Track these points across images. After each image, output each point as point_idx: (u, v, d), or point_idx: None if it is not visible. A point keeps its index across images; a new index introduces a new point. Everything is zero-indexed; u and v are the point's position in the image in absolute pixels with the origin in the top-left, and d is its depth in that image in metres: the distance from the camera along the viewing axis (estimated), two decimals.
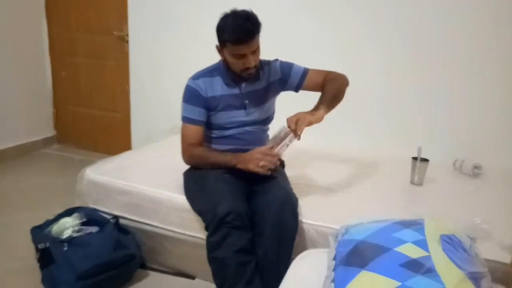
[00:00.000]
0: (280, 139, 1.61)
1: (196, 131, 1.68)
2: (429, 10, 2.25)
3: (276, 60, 1.81)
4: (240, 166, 1.60)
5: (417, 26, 2.28)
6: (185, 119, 1.69)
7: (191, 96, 1.68)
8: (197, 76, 1.71)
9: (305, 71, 1.78)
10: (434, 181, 1.99)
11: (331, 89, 1.69)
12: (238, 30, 1.52)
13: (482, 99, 2.25)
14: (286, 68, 1.79)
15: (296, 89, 1.80)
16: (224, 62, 1.69)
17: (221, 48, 1.63)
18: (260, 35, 1.58)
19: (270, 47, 1.74)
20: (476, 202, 1.81)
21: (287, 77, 1.78)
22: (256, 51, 1.60)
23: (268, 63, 1.79)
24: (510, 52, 2.15)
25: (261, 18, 1.58)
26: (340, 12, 2.41)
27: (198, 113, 1.68)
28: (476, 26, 2.18)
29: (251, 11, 1.57)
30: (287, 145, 1.59)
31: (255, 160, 1.56)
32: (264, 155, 1.56)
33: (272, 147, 1.60)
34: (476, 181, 2.09)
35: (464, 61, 2.24)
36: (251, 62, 1.59)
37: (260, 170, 1.55)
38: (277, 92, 1.81)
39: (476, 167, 2.13)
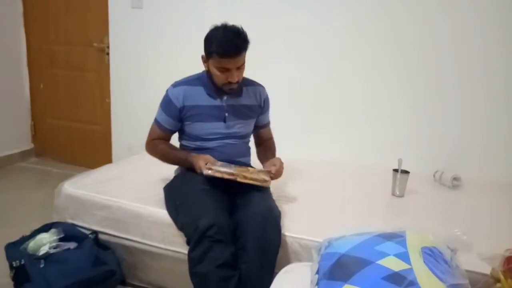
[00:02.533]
0: (243, 176, 1.59)
1: (160, 132, 1.78)
2: (410, 22, 2.30)
3: (264, 88, 1.85)
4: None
5: (398, 38, 2.33)
6: (155, 120, 1.78)
7: (165, 103, 1.73)
8: (177, 84, 1.73)
9: (269, 123, 1.95)
10: (415, 193, 2.01)
11: (274, 150, 1.94)
12: (226, 43, 1.54)
13: (463, 112, 2.30)
14: (266, 106, 1.88)
15: (253, 129, 1.87)
16: (208, 73, 1.70)
17: (206, 59, 1.64)
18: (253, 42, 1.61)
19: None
20: (456, 213, 1.85)
21: (261, 114, 1.86)
22: (241, 67, 1.62)
23: (254, 84, 1.82)
24: (492, 66, 2.20)
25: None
26: (323, 25, 2.44)
27: (166, 121, 1.74)
28: (457, 39, 2.23)
29: (242, 27, 1.59)
30: (227, 175, 1.57)
31: (196, 169, 1.64)
32: (199, 167, 1.61)
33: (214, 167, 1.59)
34: (455, 192, 2.13)
35: (445, 74, 2.29)
36: (234, 77, 1.61)
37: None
38: (255, 116, 1.84)
39: (455, 178, 2.17)
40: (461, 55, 2.24)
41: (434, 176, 2.27)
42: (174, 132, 1.81)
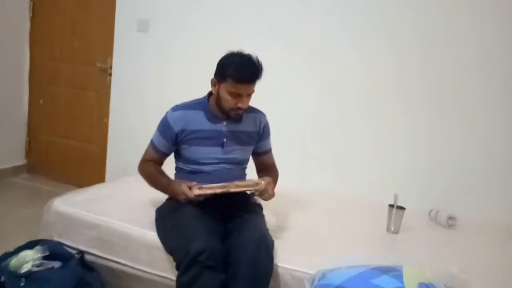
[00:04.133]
0: (235, 185, 1.58)
1: (155, 155, 1.77)
2: (411, 57, 2.32)
3: (265, 116, 1.86)
4: (173, 195, 1.66)
5: (398, 73, 2.35)
6: (151, 141, 1.78)
7: (162, 126, 1.73)
8: (177, 108, 1.73)
9: (270, 149, 1.93)
10: (410, 230, 1.98)
11: (276, 176, 1.85)
12: (245, 69, 1.58)
13: (461, 151, 2.29)
14: (266, 133, 1.87)
15: (254, 156, 1.87)
16: (213, 97, 1.71)
17: (217, 83, 1.65)
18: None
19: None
20: (452, 252, 1.81)
21: (260, 140, 1.85)
22: (250, 94, 1.65)
23: (255, 111, 1.83)
24: (492, 107, 2.22)
25: None
26: (318, 54, 2.47)
27: (161, 144, 1.74)
28: (458, 77, 2.25)
29: (257, 57, 1.63)
30: (219, 189, 1.56)
31: (179, 194, 1.60)
32: (181, 195, 1.59)
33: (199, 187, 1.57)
34: (451, 232, 2.10)
35: (445, 112, 2.29)
36: (245, 103, 1.63)
37: (182, 199, 1.60)
38: (253, 143, 1.83)
39: (450, 218, 2.15)
40: (462, 94, 2.26)
41: (429, 214, 2.24)
42: (168, 155, 1.80)
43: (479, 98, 2.24)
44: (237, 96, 1.61)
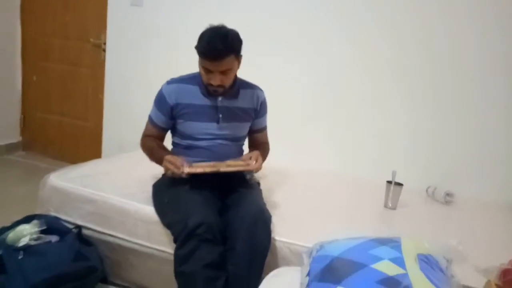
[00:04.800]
0: (226, 165, 1.56)
1: (153, 130, 1.75)
2: (411, 34, 2.29)
3: (263, 92, 1.82)
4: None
5: (398, 51, 2.32)
6: (149, 117, 1.76)
7: (158, 100, 1.70)
8: (172, 81, 1.70)
9: (265, 127, 1.90)
10: (407, 206, 1.99)
11: (266, 152, 1.85)
12: (208, 45, 1.52)
13: (460, 130, 2.28)
14: (263, 110, 1.83)
15: (248, 132, 1.84)
16: None
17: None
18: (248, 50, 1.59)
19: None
20: (449, 227, 1.83)
21: (257, 117, 1.81)
22: (226, 72, 1.57)
23: (253, 87, 1.79)
24: (491, 87, 2.20)
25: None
26: (319, 34, 2.43)
27: (158, 118, 1.72)
28: (459, 57, 2.23)
29: (235, 32, 1.57)
30: (209, 168, 1.54)
31: (164, 165, 1.57)
32: (169, 162, 1.55)
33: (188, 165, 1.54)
34: (448, 208, 2.11)
35: (444, 92, 2.27)
36: (216, 80, 1.57)
37: (169, 173, 1.57)
38: (250, 120, 1.80)
39: (448, 194, 2.15)
40: (461, 74, 2.24)
41: (426, 191, 2.25)
42: (167, 130, 1.77)
43: (479, 78, 2.22)
44: (208, 71, 1.57)
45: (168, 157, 1.57)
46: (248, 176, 1.76)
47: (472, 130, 2.27)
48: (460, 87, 2.25)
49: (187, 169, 1.50)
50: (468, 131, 2.28)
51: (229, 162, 1.58)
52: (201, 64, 1.58)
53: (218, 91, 1.62)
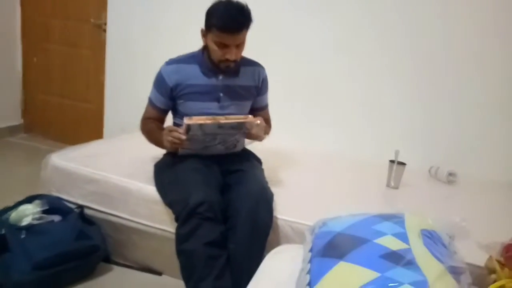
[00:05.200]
0: (224, 117, 1.52)
1: (153, 112, 1.73)
2: (408, 19, 2.26)
3: (264, 69, 1.78)
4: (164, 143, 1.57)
5: (396, 33, 2.29)
6: (149, 99, 1.73)
7: (157, 81, 1.68)
8: (171, 62, 1.66)
9: (267, 105, 1.88)
10: (410, 185, 1.98)
11: (268, 128, 1.82)
12: (228, 18, 1.48)
13: (461, 109, 2.26)
14: (264, 87, 1.81)
15: (250, 111, 1.80)
16: (205, 49, 1.64)
17: (205, 33, 1.57)
18: (249, 32, 1.56)
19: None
20: (452, 205, 1.82)
21: (258, 95, 1.79)
22: (240, 45, 1.56)
23: (253, 64, 1.76)
24: (488, 63, 2.17)
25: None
26: (322, 18, 2.39)
27: (157, 99, 1.69)
28: (455, 36, 2.20)
29: (246, 5, 1.54)
30: (209, 120, 1.49)
31: (165, 138, 1.53)
32: (168, 132, 1.52)
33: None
34: (451, 187, 2.10)
35: (444, 71, 2.25)
36: (233, 54, 1.54)
37: (167, 146, 1.54)
38: (251, 98, 1.77)
39: (451, 174, 2.14)
40: (458, 51, 2.20)
41: (429, 171, 2.24)
42: (167, 111, 1.74)
43: (476, 56, 2.18)
44: (224, 46, 1.53)
45: (167, 128, 1.56)
46: (248, 142, 1.72)
47: (474, 109, 2.24)
48: (460, 64, 2.21)
49: (186, 121, 1.46)
50: (469, 111, 2.25)
51: (227, 116, 1.54)
52: (217, 39, 1.53)
53: (230, 66, 1.59)
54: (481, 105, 2.22)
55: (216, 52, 1.56)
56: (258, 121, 1.57)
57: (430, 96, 2.30)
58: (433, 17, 2.22)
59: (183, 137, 1.48)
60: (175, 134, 1.49)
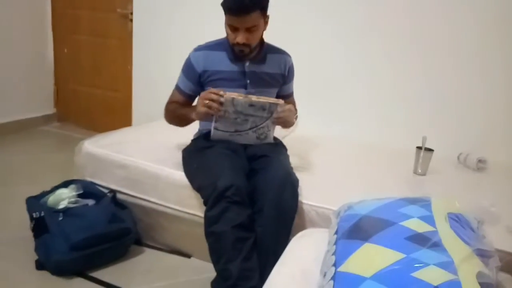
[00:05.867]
0: (256, 97, 1.53)
1: (180, 98, 1.74)
2: (436, 3, 2.20)
3: (290, 57, 1.79)
4: (195, 116, 1.60)
5: (424, 18, 2.24)
6: (176, 85, 1.76)
7: (186, 67, 1.71)
8: (199, 48, 1.69)
9: (292, 93, 1.89)
10: (438, 173, 1.96)
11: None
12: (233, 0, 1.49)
13: (489, 94, 2.21)
14: (290, 75, 1.82)
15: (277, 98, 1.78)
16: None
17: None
18: (264, 16, 1.56)
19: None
20: (482, 192, 1.78)
21: (284, 83, 1.80)
22: (252, 29, 1.55)
23: (280, 51, 1.77)
24: None
25: None
26: (345, 3, 2.37)
27: (185, 85, 1.72)
28: (483, 22, 2.14)
29: None
30: (241, 96, 1.50)
31: (200, 103, 1.52)
32: (205, 95, 1.51)
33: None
34: (480, 175, 2.06)
35: (472, 55, 2.20)
36: (242, 38, 1.55)
37: (204, 110, 1.51)
38: (277, 85, 1.78)
39: (480, 161, 2.10)
40: (488, 37, 2.14)
41: (458, 158, 2.20)
42: (194, 98, 1.76)
43: (505, 41, 2.11)
44: (234, 29, 1.55)
45: (203, 92, 1.55)
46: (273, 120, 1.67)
47: (504, 94, 2.18)
48: (489, 49, 2.15)
49: (222, 93, 1.48)
50: (499, 96, 2.19)
51: (258, 96, 1.55)
52: (227, 22, 1.56)
53: (244, 51, 1.60)
54: (509, 88, 2.16)
55: (229, 36, 1.59)
56: (288, 107, 1.58)
57: (459, 82, 2.25)
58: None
59: (222, 99, 1.47)
60: (213, 95, 1.48)
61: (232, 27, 1.55)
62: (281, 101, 1.56)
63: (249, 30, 1.54)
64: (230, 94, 1.50)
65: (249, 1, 1.49)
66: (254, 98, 1.51)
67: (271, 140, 1.69)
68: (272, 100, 1.56)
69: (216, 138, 1.63)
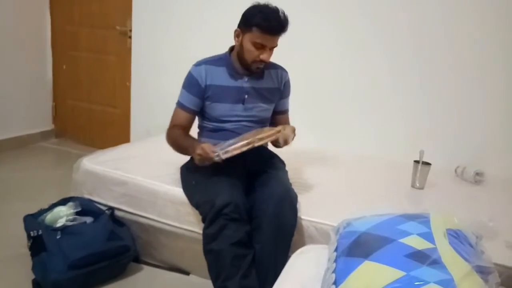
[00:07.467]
0: (258, 139, 1.51)
1: (183, 116, 1.70)
2: (435, 14, 2.24)
3: (287, 72, 1.81)
4: (193, 156, 1.57)
5: (423, 31, 2.27)
6: (178, 103, 1.72)
7: (189, 82, 1.69)
8: (200, 63, 1.70)
9: (287, 110, 1.87)
10: (436, 186, 1.96)
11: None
12: (272, 19, 1.53)
13: (487, 107, 2.23)
14: (287, 90, 1.83)
15: (272, 116, 1.82)
16: (235, 53, 1.67)
17: (242, 33, 1.60)
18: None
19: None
20: (479, 206, 1.79)
21: (281, 98, 1.81)
22: (273, 48, 1.60)
23: (277, 67, 1.79)
24: None
25: None
26: (345, 13, 2.40)
27: (190, 101, 1.68)
28: (481, 34, 2.17)
29: (283, 11, 1.57)
30: (245, 147, 1.48)
31: (196, 155, 1.51)
32: (202, 151, 1.48)
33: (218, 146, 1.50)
34: (478, 188, 2.06)
35: (469, 68, 2.22)
36: (267, 56, 1.59)
37: (200, 163, 1.52)
38: (275, 100, 1.79)
39: (478, 174, 2.11)
40: (485, 51, 2.17)
41: (455, 171, 2.21)
42: (196, 113, 1.73)
43: (503, 54, 2.14)
44: (261, 47, 1.57)
45: (198, 151, 1.49)
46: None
47: (501, 108, 2.20)
48: (487, 63, 2.18)
49: (224, 156, 1.44)
50: (497, 109, 2.21)
51: (259, 136, 1.52)
52: (256, 40, 1.55)
53: (260, 67, 1.64)
54: (509, 103, 2.18)
55: (252, 53, 1.59)
56: (288, 131, 1.58)
57: (457, 96, 2.27)
58: (460, 17, 2.19)
59: (217, 159, 1.46)
60: (208, 157, 1.47)
61: (259, 45, 1.57)
62: (279, 129, 1.56)
63: (271, 49, 1.60)
64: (233, 150, 1.45)
65: (285, 23, 1.54)
66: (257, 143, 1.48)
67: (267, 145, 1.70)
68: (273, 133, 1.55)
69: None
